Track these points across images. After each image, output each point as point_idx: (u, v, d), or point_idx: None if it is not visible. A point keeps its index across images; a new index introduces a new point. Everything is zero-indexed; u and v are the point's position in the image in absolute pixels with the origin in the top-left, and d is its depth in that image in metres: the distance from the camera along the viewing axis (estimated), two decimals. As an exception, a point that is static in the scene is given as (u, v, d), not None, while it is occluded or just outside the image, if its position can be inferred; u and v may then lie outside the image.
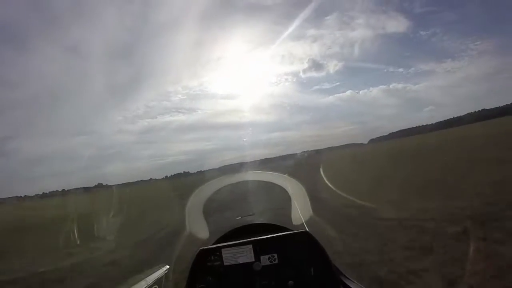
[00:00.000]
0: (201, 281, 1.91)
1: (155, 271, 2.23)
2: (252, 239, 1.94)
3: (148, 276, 2.13)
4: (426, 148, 29.09)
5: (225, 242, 2.00)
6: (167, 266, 2.30)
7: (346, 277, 1.88)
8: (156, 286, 2.23)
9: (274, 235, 1.97)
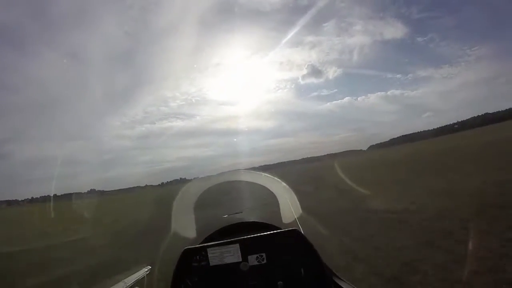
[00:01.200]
0: (186, 282, 1.80)
1: (136, 272, 2.13)
2: (239, 238, 1.86)
3: (128, 277, 2.03)
4: (431, 156, 28.86)
5: (212, 241, 1.91)
6: (149, 267, 2.20)
7: (338, 277, 1.82)
8: (137, 287, 2.14)
9: (262, 233, 1.89)
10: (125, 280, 1.92)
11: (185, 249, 1.87)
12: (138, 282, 2.06)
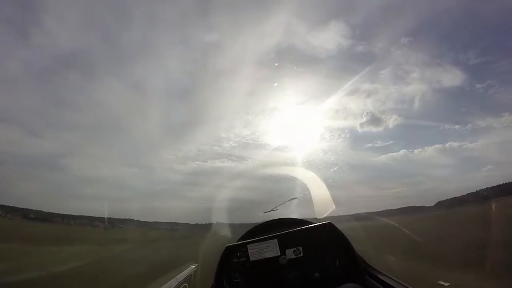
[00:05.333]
0: (228, 277, 1.95)
1: (185, 269, 2.33)
2: (276, 233, 1.97)
3: (178, 274, 2.23)
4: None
5: (251, 238, 2.04)
6: (196, 264, 2.39)
7: (371, 267, 1.87)
8: (185, 284, 2.33)
9: (298, 228, 1.99)
10: (177, 277, 2.11)
11: (226, 246, 2.02)
12: (187, 278, 2.25)
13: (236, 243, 2.05)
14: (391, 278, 1.73)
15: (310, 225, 2.01)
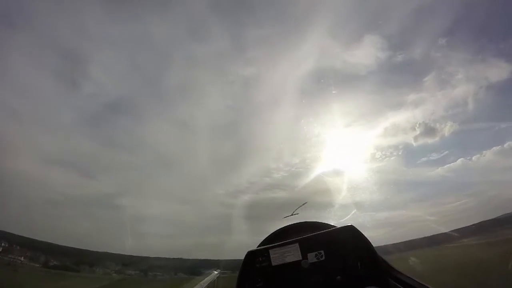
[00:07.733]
0: (251, 283, 1.95)
1: (208, 275, 2.37)
2: (298, 238, 1.97)
3: (202, 280, 2.28)
4: None
5: (272, 242, 2.05)
6: (219, 270, 2.43)
7: (394, 269, 1.84)
8: None
9: (319, 232, 1.99)
10: (201, 283, 2.15)
11: (248, 251, 2.03)
12: (210, 284, 2.28)
13: (258, 248, 2.06)
14: (414, 280, 1.70)
15: (331, 228, 2.01)
